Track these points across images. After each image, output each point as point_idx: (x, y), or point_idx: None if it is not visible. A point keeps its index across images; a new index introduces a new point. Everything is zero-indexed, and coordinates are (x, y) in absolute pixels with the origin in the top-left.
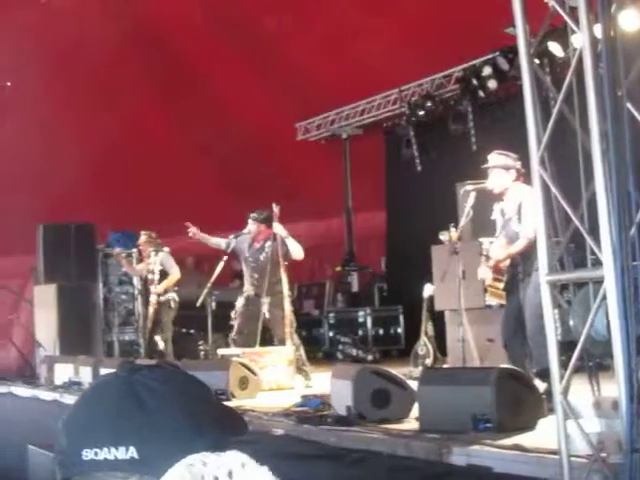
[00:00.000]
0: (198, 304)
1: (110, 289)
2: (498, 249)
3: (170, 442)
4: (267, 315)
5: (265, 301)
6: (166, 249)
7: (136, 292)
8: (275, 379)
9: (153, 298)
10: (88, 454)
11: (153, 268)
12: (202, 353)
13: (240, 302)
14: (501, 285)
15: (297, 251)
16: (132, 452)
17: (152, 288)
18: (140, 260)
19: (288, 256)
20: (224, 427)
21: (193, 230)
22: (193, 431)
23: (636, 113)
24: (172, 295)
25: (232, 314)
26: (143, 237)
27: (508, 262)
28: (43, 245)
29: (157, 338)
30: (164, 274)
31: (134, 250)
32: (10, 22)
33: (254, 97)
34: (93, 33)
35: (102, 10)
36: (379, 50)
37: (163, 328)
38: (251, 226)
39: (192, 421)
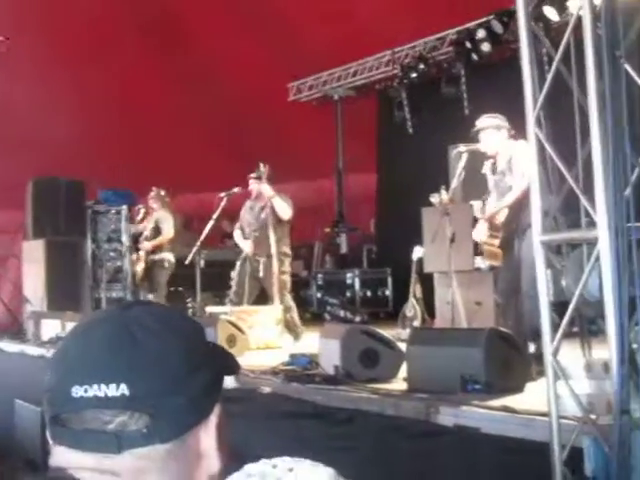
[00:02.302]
0: (187, 262)
1: (99, 246)
2: (493, 206)
3: (163, 379)
4: (261, 274)
5: (260, 260)
6: (163, 209)
7: (124, 249)
8: (263, 338)
9: (141, 254)
10: (78, 391)
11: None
12: (190, 311)
13: (239, 262)
14: (497, 242)
15: (283, 210)
16: (123, 389)
17: (141, 245)
18: (144, 216)
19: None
20: (217, 365)
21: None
22: (187, 369)
23: (634, 74)
24: (166, 255)
25: (231, 273)
26: (152, 193)
27: (503, 217)
28: (32, 200)
29: (150, 297)
30: (159, 232)
31: (124, 207)
32: None
33: (247, 56)
34: None
35: None
36: (372, 11)
37: (157, 288)
38: (253, 185)
39: (186, 359)
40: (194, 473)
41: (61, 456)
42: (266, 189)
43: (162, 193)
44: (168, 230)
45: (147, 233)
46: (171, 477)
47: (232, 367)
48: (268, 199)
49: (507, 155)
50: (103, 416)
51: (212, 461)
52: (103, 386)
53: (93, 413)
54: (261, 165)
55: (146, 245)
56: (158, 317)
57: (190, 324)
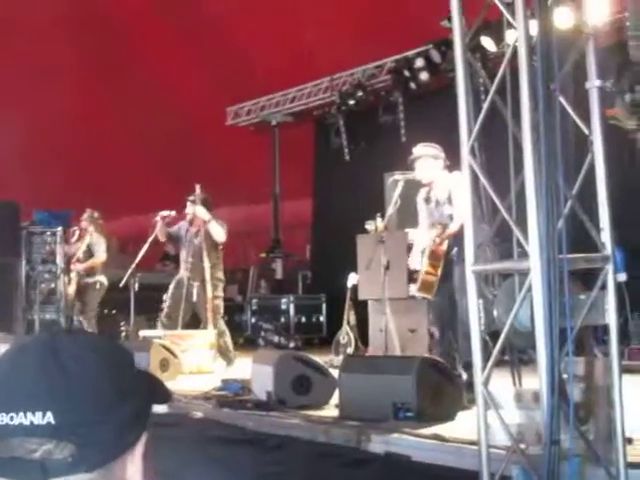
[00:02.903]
0: (121, 285)
1: (33, 267)
2: (426, 235)
3: (90, 408)
4: (194, 298)
5: (194, 285)
6: (96, 232)
7: (59, 271)
8: (196, 362)
9: (73, 275)
10: (3, 419)
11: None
12: (124, 334)
13: (172, 285)
14: (439, 271)
15: (218, 233)
16: (49, 417)
17: (73, 266)
18: (79, 238)
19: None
20: (146, 394)
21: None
22: (115, 397)
23: (567, 106)
24: (99, 277)
25: (164, 297)
26: (86, 214)
27: (445, 247)
28: None
29: (81, 318)
30: (91, 255)
31: (59, 229)
32: None
33: (188, 79)
34: (29, 7)
35: None
36: (312, 38)
37: (87, 310)
38: (189, 209)
39: (114, 387)
40: None
41: None
42: (201, 212)
43: (95, 215)
44: (101, 253)
45: (80, 255)
46: None
47: (162, 396)
48: (203, 223)
49: (444, 186)
50: (29, 444)
51: None
52: (29, 414)
53: (19, 441)
54: (197, 187)
55: (78, 267)
56: (87, 345)
57: (119, 352)
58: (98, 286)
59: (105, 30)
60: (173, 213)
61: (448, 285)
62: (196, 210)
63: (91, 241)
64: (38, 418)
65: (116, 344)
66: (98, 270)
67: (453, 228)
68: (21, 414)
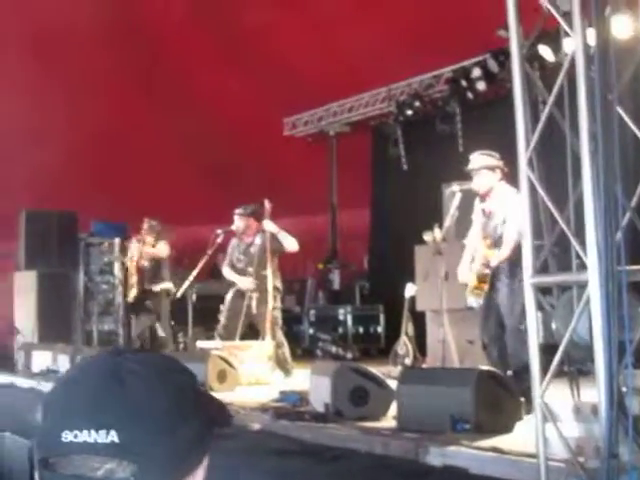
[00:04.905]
0: (179, 295)
1: (91, 278)
2: (479, 247)
3: (152, 428)
4: (254, 311)
5: (253, 296)
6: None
7: (117, 282)
8: (254, 374)
9: (134, 279)
10: (67, 436)
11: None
12: (181, 345)
13: (229, 296)
14: (485, 286)
15: (291, 244)
16: (112, 436)
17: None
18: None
19: (281, 250)
20: (208, 417)
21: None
22: (177, 418)
23: (626, 117)
24: (167, 285)
25: (221, 307)
26: (145, 225)
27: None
28: (25, 231)
29: (157, 326)
30: (158, 266)
31: (117, 240)
32: None
33: (242, 91)
34: (77, 17)
35: None
36: (369, 48)
37: (161, 316)
38: (238, 222)
39: (176, 408)
40: None
41: None
42: (270, 226)
43: (154, 223)
44: (164, 247)
45: (146, 264)
46: None
47: (224, 419)
48: (273, 234)
49: (501, 201)
50: (92, 462)
51: None
52: (93, 432)
53: (82, 459)
54: (266, 202)
55: (145, 250)
56: (149, 364)
57: (181, 371)
58: (168, 294)
59: (153, 44)
60: (234, 227)
61: (493, 299)
62: (264, 223)
63: (154, 244)
64: (102, 436)
65: (178, 363)
66: (165, 277)
67: (505, 252)
68: (85, 432)
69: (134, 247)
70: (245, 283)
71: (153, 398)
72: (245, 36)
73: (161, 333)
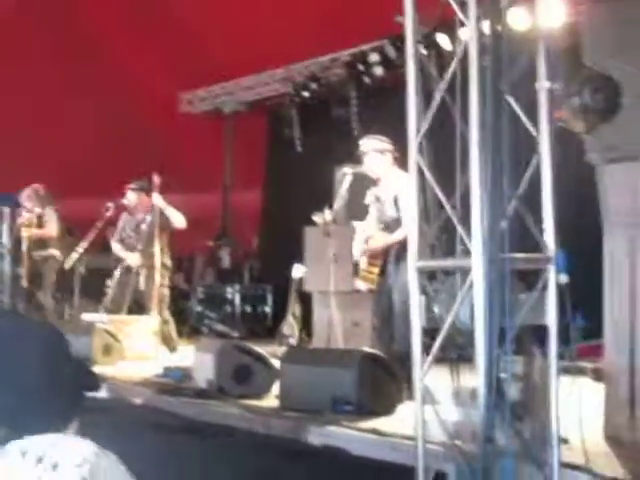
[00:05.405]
0: (67, 267)
1: None
2: (377, 236)
3: (20, 394)
4: (142, 287)
5: (141, 272)
6: (49, 207)
7: (5, 251)
8: (139, 348)
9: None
10: None
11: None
12: (67, 317)
13: (117, 271)
14: (376, 270)
15: (179, 220)
16: None
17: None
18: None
19: (169, 226)
20: (78, 381)
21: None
22: (48, 383)
23: (516, 107)
24: (53, 251)
25: (108, 281)
26: (28, 191)
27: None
28: None
29: (40, 294)
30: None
31: (6, 209)
32: None
33: (142, 63)
34: None
35: None
36: (269, 27)
37: (44, 284)
38: (130, 196)
39: (47, 373)
40: None
41: None
42: (158, 200)
43: (41, 191)
44: (52, 225)
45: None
46: None
47: (94, 384)
48: (160, 209)
49: (394, 186)
50: None
51: None
52: None
53: None
54: (155, 177)
55: (28, 232)
56: (25, 330)
57: (57, 340)
58: (52, 260)
59: (68, 13)
60: (125, 201)
61: (385, 282)
62: (153, 198)
63: (42, 213)
64: None
65: (56, 331)
66: (51, 244)
67: (398, 236)
68: None
69: (24, 217)
70: (133, 259)
71: (25, 364)
72: (157, 8)
73: (42, 301)
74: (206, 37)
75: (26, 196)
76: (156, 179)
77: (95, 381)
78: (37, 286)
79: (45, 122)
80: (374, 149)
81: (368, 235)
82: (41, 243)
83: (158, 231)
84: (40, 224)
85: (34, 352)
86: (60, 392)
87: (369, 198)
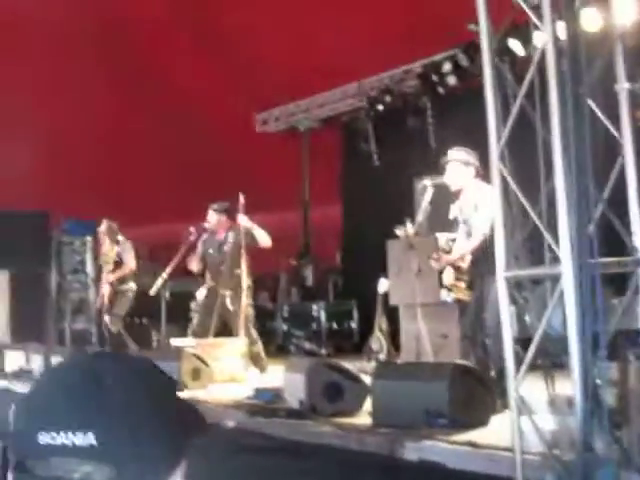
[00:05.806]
0: (152, 293)
1: (64, 277)
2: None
3: (130, 432)
4: (230, 308)
5: (227, 294)
6: (123, 240)
7: (89, 281)
8: (228, 371)
9: (105, 288)
10: (45, 438)
11: (109, 258)
12: (155, 343)
13: (202, 294)
14: (463, 285)
15: (265, 239)
16: (90, 438)
17: (105, 276)
18: (97, 248)
19: (254, 245)
20: (186, 423)
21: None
22: (155, 422)
23: (597, 110)
24: (131, 285)
25: (192, 305)
26: (104, 226)
27: (468, 260)
28: None
29: (110, 325)
30: (118, 264)
31: (89, 238)
32: None
33: (214, 88)
34: (51, 13)
35: None
36: (340, 43)
37: (114, 316)
38: (211, 217)
39: (154, 413)
40: None
41: None
42: (244, 220)
43: (114, 226)
44: (131, 261)
45: (109, 267)
46: None
47: (201, 428)
48: (247, 230)
49: (473, 197)
50: (69, 465)
51: None
52: (70, 434)
53: (59, 461)
54: (241, 197)
55: (110, 277)
56: (130, 369)
57: (162, 378)
58: (130, 294)
59: (123, 40)
60: (207, 225)
61: (476, 294)
62: (239, 218)
63: (120, 251)
64: (79, 438)
65: (159, 369)
66: (129, 278)
67: (472, 244)
68: (62, 434)
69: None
70: (218, 282)
71: (131, 401)
72: (220, 33)
73: (114, 330)
74: (277, 58)
75: (104, 230)
76: (242, 199)
77: (204, 424)
78: (115, 316)
79: (122, 151)
80: (459, 159)
81: (442, 247)
82: (121, 278)
83: (244, 251)
84: (118, 262)
85: (141, 391)
86: (168, 430)
87: (453, 212)
